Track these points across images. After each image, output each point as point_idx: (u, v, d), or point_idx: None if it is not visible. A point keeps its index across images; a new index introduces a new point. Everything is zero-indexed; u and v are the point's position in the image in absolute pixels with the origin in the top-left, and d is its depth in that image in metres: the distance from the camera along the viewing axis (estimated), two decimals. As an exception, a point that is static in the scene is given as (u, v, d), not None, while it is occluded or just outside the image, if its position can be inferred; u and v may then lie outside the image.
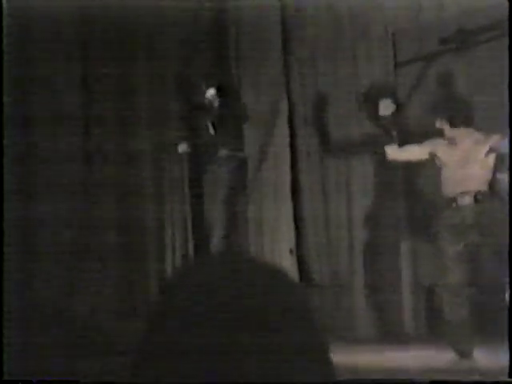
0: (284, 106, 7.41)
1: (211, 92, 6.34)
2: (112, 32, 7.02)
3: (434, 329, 6.18)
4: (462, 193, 5.21)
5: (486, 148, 5.21)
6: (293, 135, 7.44)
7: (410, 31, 6.76)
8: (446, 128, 5.38)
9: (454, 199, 5.25)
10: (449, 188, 5.32)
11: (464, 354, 5.09)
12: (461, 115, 5.35)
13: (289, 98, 7.44)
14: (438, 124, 5.41)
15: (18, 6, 6.00)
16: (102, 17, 6.75)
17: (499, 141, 5.15)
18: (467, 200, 5.20)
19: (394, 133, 5.64)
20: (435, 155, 5.42)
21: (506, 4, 4.98)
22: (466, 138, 5.32)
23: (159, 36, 7.26)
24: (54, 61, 6.64)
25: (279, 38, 7.46)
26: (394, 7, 6.66)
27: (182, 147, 6.65)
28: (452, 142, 5.36)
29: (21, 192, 6.20)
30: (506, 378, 4.26)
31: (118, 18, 6.78)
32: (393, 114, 5.72)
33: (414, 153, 5.54)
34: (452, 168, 5.31)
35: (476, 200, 5.19)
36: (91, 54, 7.03)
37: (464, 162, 5.25)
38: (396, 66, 6.91)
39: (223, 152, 6.37)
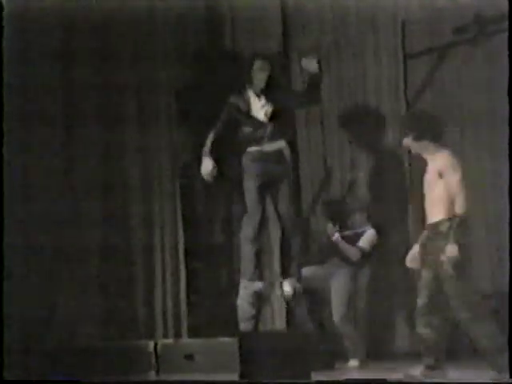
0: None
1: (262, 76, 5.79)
2: (111, 31, 6.95)
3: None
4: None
5: (435, 168, 4.73)
6: (295, 136, 7.27)
7: (422, 19, 6.56)
8: (411, 143, 4.85)
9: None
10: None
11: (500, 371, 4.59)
12: (428, 129, 4.81)
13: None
14: (404, 141, 4.90)
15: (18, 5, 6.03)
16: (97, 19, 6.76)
17: (445, 161, 4.67)
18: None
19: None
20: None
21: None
22: (436, 156, 4.78)
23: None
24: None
25: (280, 30, 7.28)
26: (403, -8, 6.59)
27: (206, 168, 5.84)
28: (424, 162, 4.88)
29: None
30: (507, 379, 4.23)
31: (114, 19, 6.75)
32: None
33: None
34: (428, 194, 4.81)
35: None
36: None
37: (430, 188, 4.77)
38: (406, 58, 6.70)
39: (279, 144, 5.80)
